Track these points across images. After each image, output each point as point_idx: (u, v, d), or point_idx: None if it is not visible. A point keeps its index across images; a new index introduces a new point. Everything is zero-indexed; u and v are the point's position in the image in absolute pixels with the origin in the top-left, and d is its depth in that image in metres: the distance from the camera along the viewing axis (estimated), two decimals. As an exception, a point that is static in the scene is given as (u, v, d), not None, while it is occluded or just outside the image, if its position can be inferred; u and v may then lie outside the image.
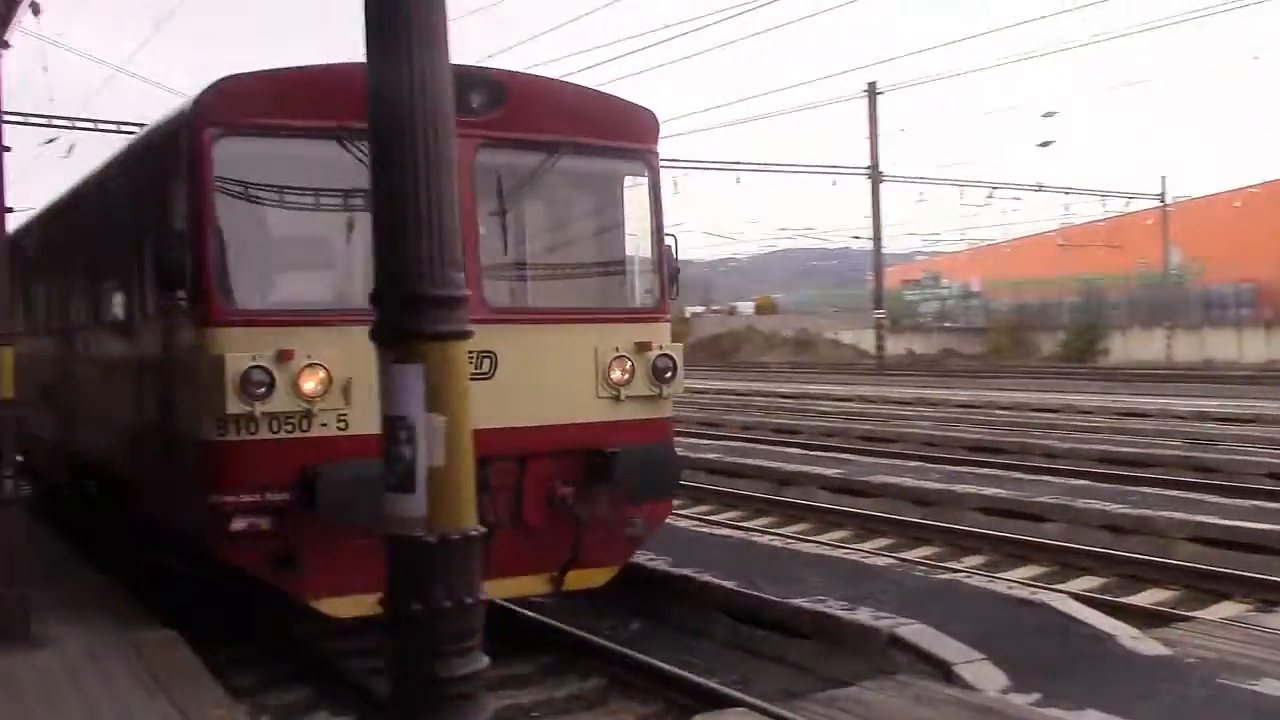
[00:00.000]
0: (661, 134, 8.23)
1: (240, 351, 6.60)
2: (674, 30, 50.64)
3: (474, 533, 2.62)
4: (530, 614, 8.60)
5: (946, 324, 63.59)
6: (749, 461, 16.08)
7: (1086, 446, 17.14)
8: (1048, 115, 48.53)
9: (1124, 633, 7.18)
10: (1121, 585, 9.73)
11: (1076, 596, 8.35)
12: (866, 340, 54.53)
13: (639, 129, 8.08)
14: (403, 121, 2.45)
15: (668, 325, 8.06)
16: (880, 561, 9.49)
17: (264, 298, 7.15)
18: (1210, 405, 22.85)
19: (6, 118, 7.44)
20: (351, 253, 7.18)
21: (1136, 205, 54.97)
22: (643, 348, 7.74)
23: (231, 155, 6.80)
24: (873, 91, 46.65)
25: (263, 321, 6.75)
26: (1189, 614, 8.46)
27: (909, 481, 13.77)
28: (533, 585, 7.61)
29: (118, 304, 7.91)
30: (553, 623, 8.43)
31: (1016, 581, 9.25)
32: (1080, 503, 11.92)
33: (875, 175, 47.53)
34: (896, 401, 27.34)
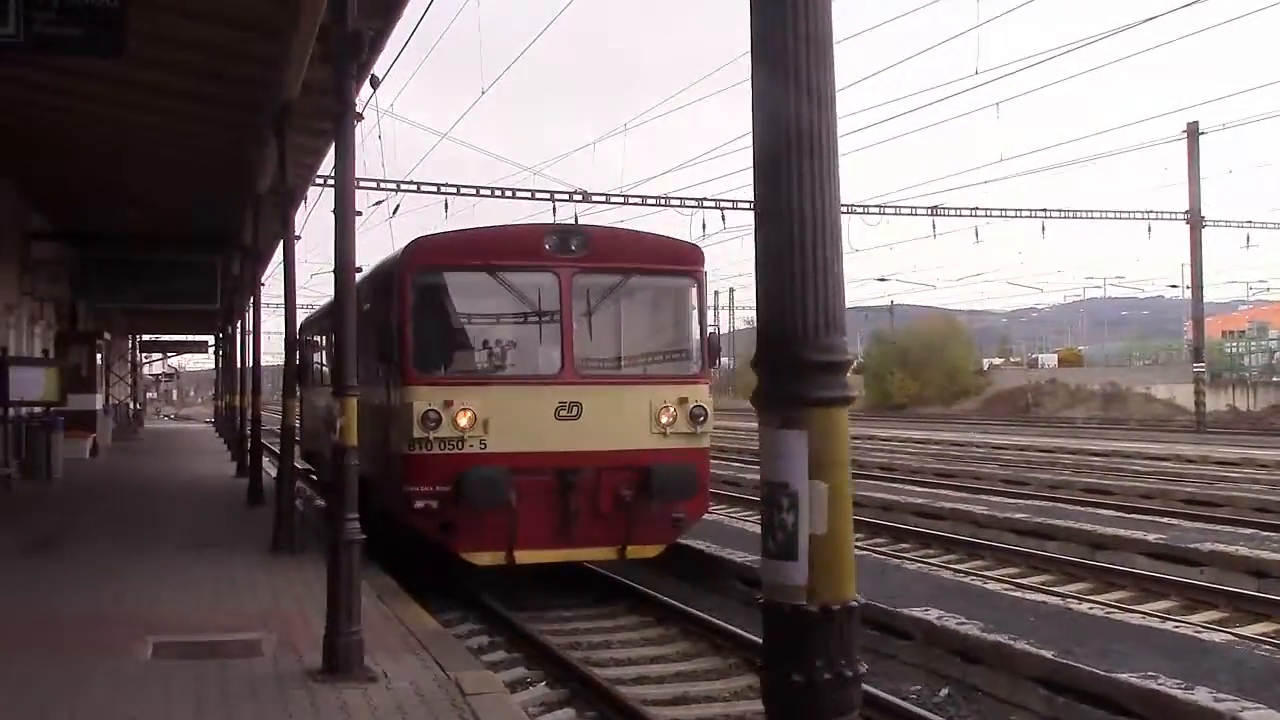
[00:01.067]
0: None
1: (422, 400, 10.80)
2: (989, 75, 49.37)
3: (854, 604, 2.54)
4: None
5: (1275, 379, 58.67)
6: (1059, 523, 15.28)
7: None
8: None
9: None
10: None
11: None
12: (1182, 395, 51.03)
13: (687, 258, 11.89)
14: (788, 159, 2.43)
15: (705, 386, 11.67)
16: (1216, 638, 8.77)
17: (438, 368, 11.29)
18: None
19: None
20: (492, 341, 11.61)
21: None
22: (684, 401, 11.34)
23: (421, 284, 11.21)
24: (1194, 132, 43.95)
25: (436, 382, 11.00)
26: None
27: (1243, 550, 12.71)
28: (604, 554, 11.43)
29: (365, 370, 10.44)
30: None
31: (1377, 667, 8.31)
32: None
33: (1195, 219, 44.67)
34: (1220, 462, 25.39)
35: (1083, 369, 76.33)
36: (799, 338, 2.46)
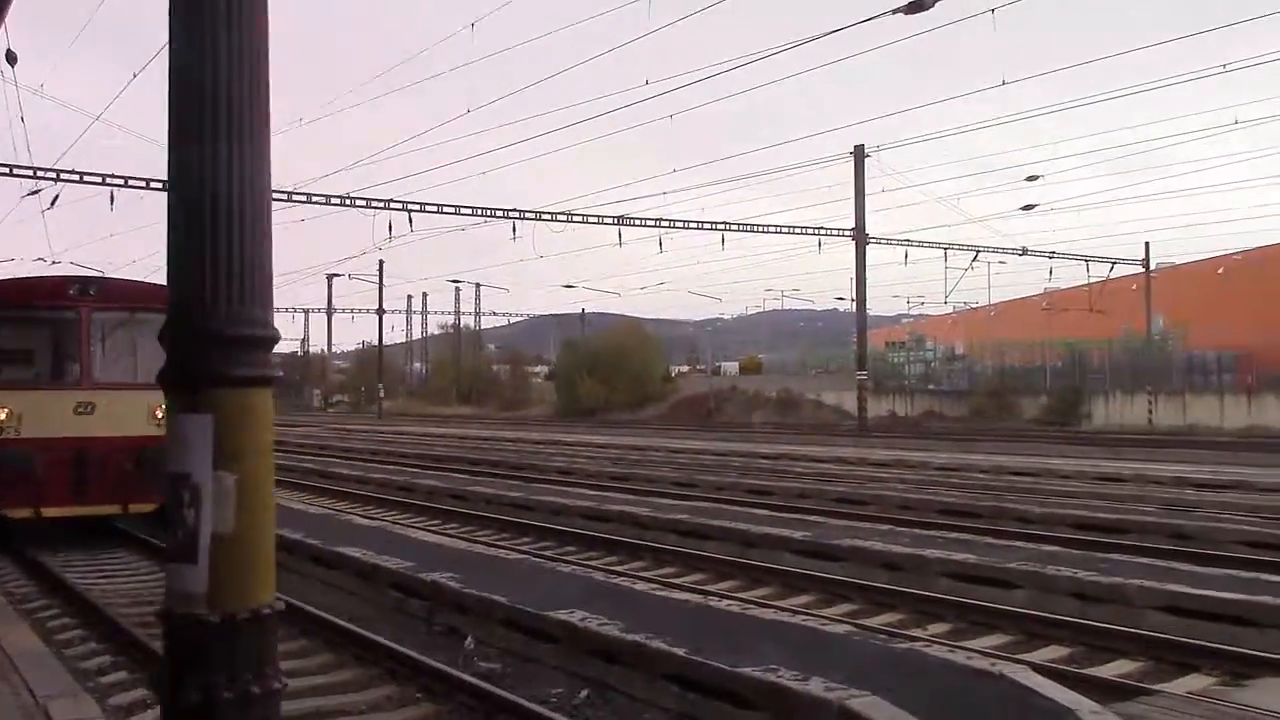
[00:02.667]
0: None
1: None
2: (659, 87, 50.85)
3: (268, 611, 2.25)
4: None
5: (930, 386, 63.39)
6: (717, 523, 15.75)
7: (1062, 511, 16.86)
8: (1031, 179, 48.73)
9: (1084, 707, 6.86)
10: (1089, 655, 9.42)
11: (1039, 668, 8.04)
12: (850, 402, 54.31)
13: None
14: (204, 112, 2.16)
15: None
16: (839, 629, 9.17)
17: None
18: (1190, 471, 22.63)
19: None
20: (27, 359, 15.61)
21: (1120, 270, 55.07)
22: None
23: None
24: (859, 154, 46.83)
25: None
26: (1155, 687, 8.14)
27: (877, 545, 13.46)
28: (111, 509, 15.32)
29: None
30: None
31: (979, 651, 8.92)
32: (1050, 569, 11.62)
33: (860, 237, 47.59)
34: (874, 464, 27.06)
35: (762, 376, 79.98)
36: (206, 308, 2.18)
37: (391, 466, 29.06)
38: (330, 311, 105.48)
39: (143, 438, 14.86)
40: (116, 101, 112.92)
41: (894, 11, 20.30)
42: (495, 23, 29.60)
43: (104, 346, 15.58)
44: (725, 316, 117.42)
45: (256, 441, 2.17)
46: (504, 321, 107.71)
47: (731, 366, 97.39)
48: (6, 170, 30.12)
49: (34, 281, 16.99)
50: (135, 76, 20.85)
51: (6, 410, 14.74)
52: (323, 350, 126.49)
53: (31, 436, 14.76)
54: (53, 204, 31.97)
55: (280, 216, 38.21)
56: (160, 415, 13.44)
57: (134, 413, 15.01)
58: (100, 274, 21.28)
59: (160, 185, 34.34)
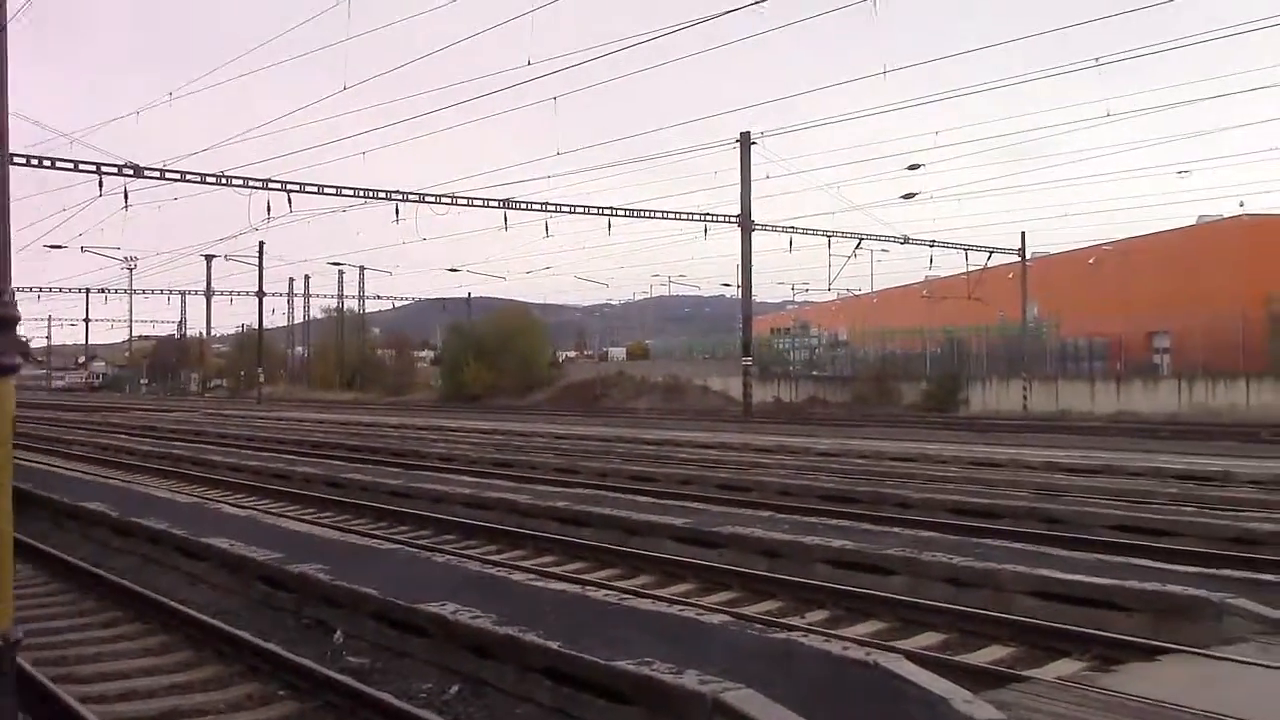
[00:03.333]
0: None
1: None
2: (546, 66, 50.31)
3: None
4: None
5: (814, 373, 64.20)
6: (598, 510, 15.59)
7: (939, 497, 17.07)
8: (913, 168, 49.51)
9: (957, 696, 6.84)
10: (962, 642, 9.48)
11: (913, 656, 8.03)
12: (736, 388, 54.70)
13: None
14: None
15: None
16: (716, 618, 9.06)
17: None
18: (1060, 456, 23.17)
19: None
20: None
21: (998, 259, 56.33)
22: None
23: None
24: (745, 141, 47.04)
25: None
26: (1026, 673, 8.20)
27: (758, 532, 13.42)
28: None
29: None
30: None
31: (854, 640, 8.90)
32: (926, 555, 11.69)
33: (746, 223, 47.86)
34: (758, 449, 27.19)
35: (649, 362, 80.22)
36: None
37: (267, 453, 28.29)
38: (209, 294, 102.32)
39: None
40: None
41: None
42: (376, -1, 28.99)
43: None
44: (613, 302, 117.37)
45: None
46: (388, 305, 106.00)
47: (619, 352, 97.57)
48: None
49: None
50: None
51: None
52: (201, 333, 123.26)
53: None
54: None
55: (152, 194, 36.92)
56: None
57: None
58: None
59: (26, 161, 32.96)
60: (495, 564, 12.31)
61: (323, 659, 8.91)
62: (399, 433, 36.91)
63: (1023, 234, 59.91)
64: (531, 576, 11.06)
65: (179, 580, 12.32)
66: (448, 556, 12.23)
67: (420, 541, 14.42)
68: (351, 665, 8.90)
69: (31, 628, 10.00)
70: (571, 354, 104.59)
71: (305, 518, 17.05)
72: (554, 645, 7.96)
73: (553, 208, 44.27)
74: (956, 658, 8.81)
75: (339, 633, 9.77)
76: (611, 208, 45.87)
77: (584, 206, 45.23)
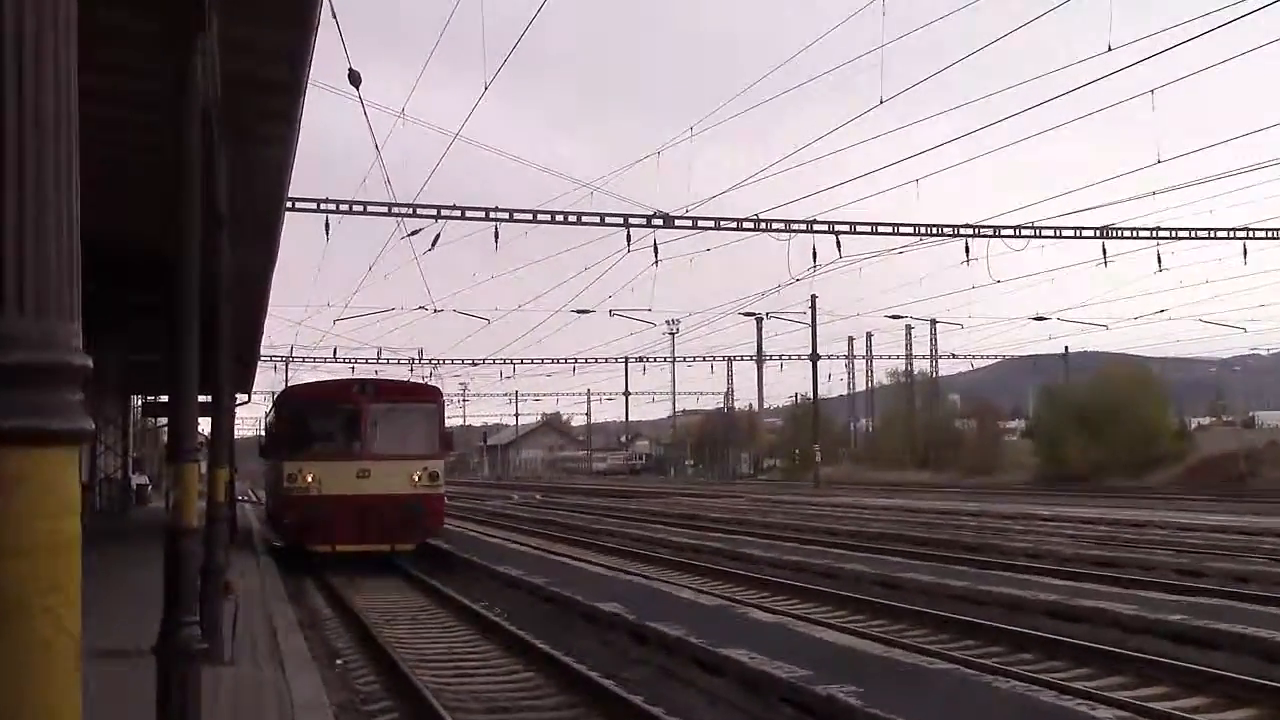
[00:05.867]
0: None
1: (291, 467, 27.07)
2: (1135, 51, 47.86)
3: None
4: None
5: None
6: (1228, 628, 14.05)
7: None
8: None
9: None
10: None
11: None
12: None
13: (431, 393, 29.40)
14: None
15: (441, 461, 27.58)
16: None
17: (300, 451, 27.59)
18: None
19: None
20: (327, 437, 27.76)
21: None
22: (426, 468, 26.60)
23: (291, 409, 29.16)
24: None
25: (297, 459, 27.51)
26: None
27: None
28: (382, 547, 25.94)
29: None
30: None
31: None
32: None
33: None
34: None
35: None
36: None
37: (814, 546, 28.67)
38: (760, 360, 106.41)
39: (405, 495, 25.87)
40: (473, 118, 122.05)
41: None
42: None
43: (378, 428, 26.32)
44: (1259, 352, 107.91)
45: (34, 535, 1.61)
46: (965, 365, 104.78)
47: (1271, 417, 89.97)
48: (384, 209, 32.75)
49: (330, 383, 31.02)
50: (486, 88, 21.77)
51: (312, 475, 25.65)
52: (751, 405, 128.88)
53: (328, 494, 25.43)
54: (433, 245, 34.37)
55: (677, 246, 39.18)
56: (417, 478, 26.39)
57: (403, 475, 26.12)
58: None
59: (552, 218, 36.33)
60: (1075, 693, 11.31)
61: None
62: (976, 522, 36.10)
63: None
64: (1129, 717, 10.02)
65: (695, 698, 12.48)
66: (1013, 683, 11.43)
67: (983, 660, 13.68)
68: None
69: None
70: (1204, 420, 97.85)
71: (848, 625, 16.87)
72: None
73: (1164, 233, 41.70)
74: None
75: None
76: (1245, 228, 42.49)
77: (1206, 230, 42.21)
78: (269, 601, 17.81)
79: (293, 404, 28.22)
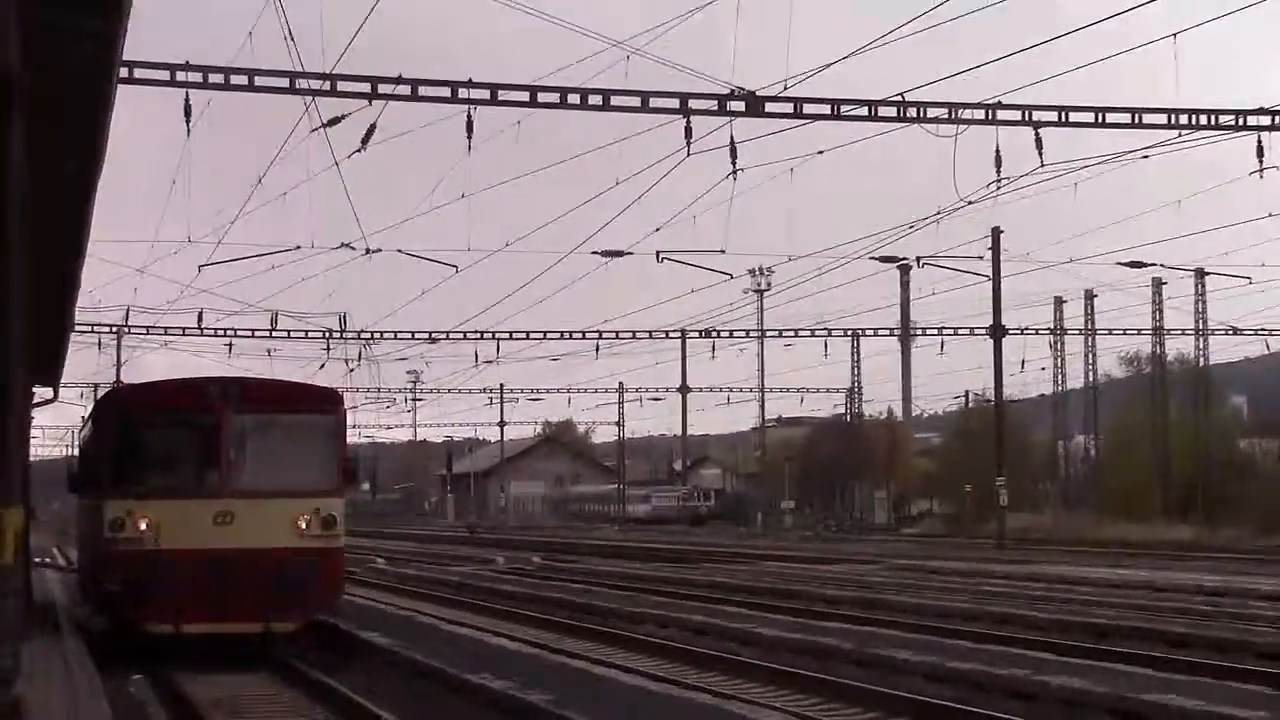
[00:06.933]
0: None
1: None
2: None
3: None
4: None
5: None
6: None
7: None
8: None
9: None
10: None
11: None
12: None
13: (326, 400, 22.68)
14: None
15: (339, 500, 20.99)
16: None
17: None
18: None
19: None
20: (166, 465, 21.37)
21: None
22: (318, 510, 20.17)
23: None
24: None
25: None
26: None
27: None
28: (250, 628, 19.48)
29: None
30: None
31: None
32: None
33: None
34: None
35: None
36: None
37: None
38: (906, 333, 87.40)
39: (286, 550, 19.59)
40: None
41: None
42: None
43: (246, 451, 20.26)
44: None
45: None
46: (1258, 346, 75.22)
47: None
48: (283, 83, 24.45)
49: (173, 385, 23.60)
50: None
51: (148, 519, 19.22)
52: (891, 411, 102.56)
53: (171, 548, 19.12)
54: (365, 142, 26.44)
55: (771, 147, 28.64)
56: (305, 524, 20.00)
57: (277, 521, 19.83)
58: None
59: (555, 97, 26.36)
60: None
61: None
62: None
63: None
64: None
65: None
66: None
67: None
68: None
69: None
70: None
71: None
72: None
73: None
74: None
75: None
76: None
77: None
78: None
79: (120, 413, 21.77)
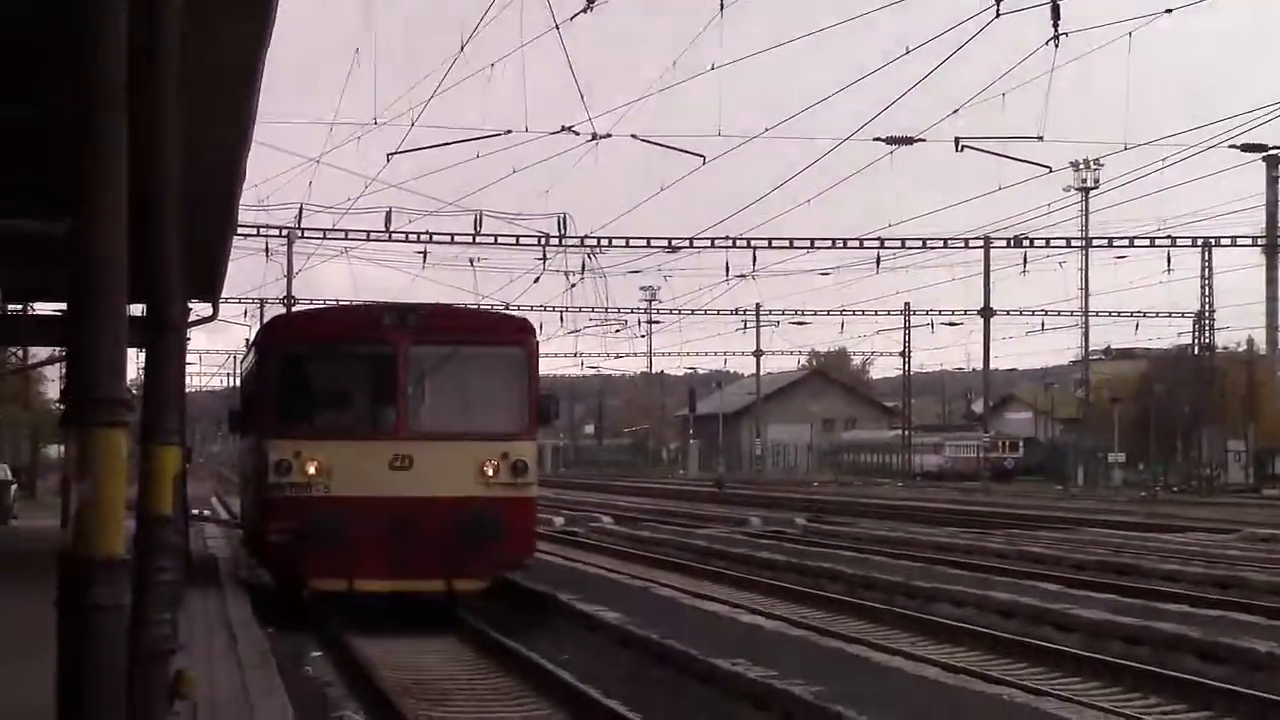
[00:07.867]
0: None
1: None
2: None
3: None
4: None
5: None
6: None
7: None
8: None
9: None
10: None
11: None
12: None
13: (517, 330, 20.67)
14: None
15: (531, 444, 19.13)
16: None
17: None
18: None
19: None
20: (339, 403, 19.99)
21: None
22: (506, 455, 18.34)
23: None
24: None
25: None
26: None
27: None
28: (432, 585, 18.23)
29: None
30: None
31: None
32: None
33: None
34: None
35: None
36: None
37: None
38: (1275, 243, 75.06)
39: (471, 499, 18.03)
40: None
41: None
42: None
43: (426, 388, 18.98)
44: None
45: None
46: None
47: None
48: None
49: (344, 311, 24.49)
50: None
51: (318, 463, 17.78)
52: (1252, 342, 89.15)
53: (344, 495, 17.73)
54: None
55: None
56: (492, 471, 18.15)
57: (461, 467, 18.19)
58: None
59: None
60: None
61: None
62: None
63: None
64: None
65: None
66: None
67: None
68: None
69: None
70: None
71: None
72: None
73: None
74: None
75: None
76: None
77: None
78: (256, 710, 11.36)
79: (285, 344, 19.85)
